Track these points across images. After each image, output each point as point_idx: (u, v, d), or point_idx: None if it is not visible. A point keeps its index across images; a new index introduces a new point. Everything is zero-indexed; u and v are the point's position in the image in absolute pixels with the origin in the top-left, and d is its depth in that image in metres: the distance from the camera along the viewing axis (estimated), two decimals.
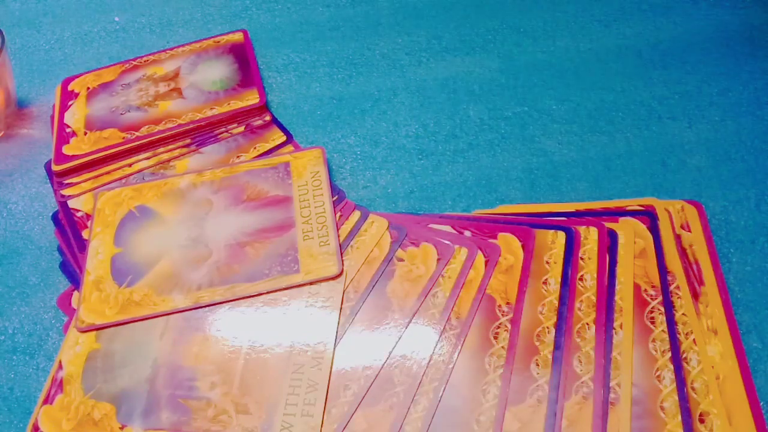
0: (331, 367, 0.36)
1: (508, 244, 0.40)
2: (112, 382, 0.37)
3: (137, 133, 0.48)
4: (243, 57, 0.54)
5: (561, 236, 0.40)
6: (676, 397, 0.34)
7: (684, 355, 0.35)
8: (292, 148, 0.48)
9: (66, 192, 0.46)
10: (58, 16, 0.61)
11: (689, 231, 0.40)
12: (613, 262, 0.39)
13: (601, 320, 0.37)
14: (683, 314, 0.37)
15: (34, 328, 0.40)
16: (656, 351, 0.36)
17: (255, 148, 0.47)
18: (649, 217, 0.41)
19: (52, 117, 0.52)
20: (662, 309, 0.37)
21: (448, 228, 0.42)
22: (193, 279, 0.40)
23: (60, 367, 0.38)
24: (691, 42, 0.52)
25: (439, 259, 0.40)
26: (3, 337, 0.40)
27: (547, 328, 0.37)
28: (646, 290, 0.38)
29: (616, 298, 0.38)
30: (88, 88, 0.53)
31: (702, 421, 0.33)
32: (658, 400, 0.34)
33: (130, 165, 0.47)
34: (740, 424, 0.33)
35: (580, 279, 0.38)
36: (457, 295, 0.38)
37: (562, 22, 0.55)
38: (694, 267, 0.39)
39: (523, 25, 0.55)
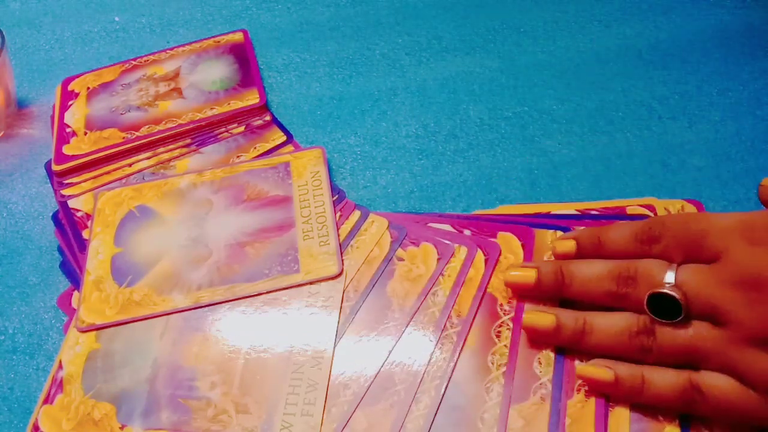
0: (331, 367, 0.36)
1: (508, 242, 0.40)
2: (112, 382, 0.37)
3: (137, 133, 0.49)
4: (243, 57, 0.54)
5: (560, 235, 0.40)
6: None
7: None
8: (292, 148, 0.48)
9: (66, 192, 0.46)
10: (58, 16, 0.61)
11: None
12: None
13: None
14: None
15: (34, 328, 0.40)
16: None
17: (255, 148, 0.47)
18: None
19: (52, 117, 0.52)
20: None
21: (447, 227, 0.42)
22: (193, 279, 0.40)
23: (60, 367, 0.38)
24: (691, 42, 0.52)
25: (439, 259, 0.40)
26: (3, 337, 0.40)
27: None
28: None
29: None
30: (88, 88, 0.53)
31: (704, 421, 0.33)
32: None
33: (130, 165, 0.47)
34: (740, 424, 0.33)
35: None
36: (457, 293, 0.38)
37: (562, 22, 0.55)
38: None
39: (523, 25, 0.55)
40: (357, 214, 0.43)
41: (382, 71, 0.53)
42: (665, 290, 0.32)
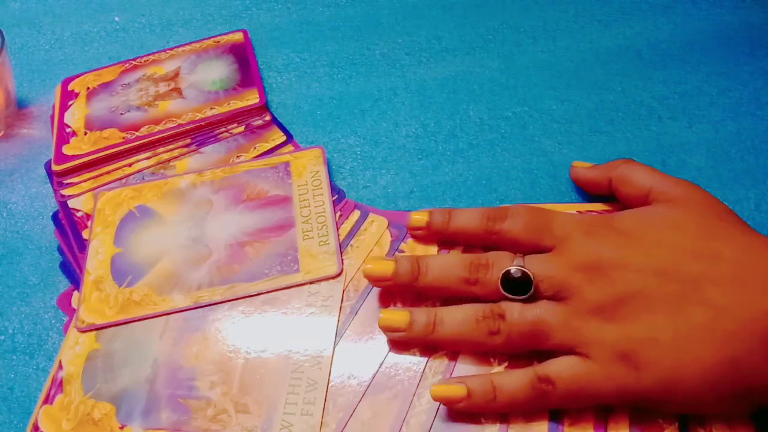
0: (331, 367, 0.36)
1: None
2: (112, 382, 0.37)
3: (137, 133, 0.49)
4: (243, 57, 0.54)
5: None
6: None
7: None
8: (292, 148, 0.48)
9: (66, 192, 0.46)
10: (58, 16, 0.61)
11: None
12: None
13: None
14: None
15: (34, 328, 0.40)
16: None
17: (255, 148, 0.47)
18: None
19: (52, 117, 0.52)
20: None
21: None
22: (193, 279, 0.40)
23: (60, 367, 0.38)
24: (691, 42, 0.52)
25: None
26: (3, 337, 0.40)
27: None
28: None
29: None
30: (88, 88, 0.53)
31: (702, 423, 0.33)
32: None
33: (130, 165, 0.47)
34: (740, 428, 0.33)
35: None
36: None
37: (562, 22, 0.55)
38: None
39: (523, 25, 0.55)
40: (357, 213, 0.43)
41: (382, 71, 0.53)
42: (517, 266, 0.35)
